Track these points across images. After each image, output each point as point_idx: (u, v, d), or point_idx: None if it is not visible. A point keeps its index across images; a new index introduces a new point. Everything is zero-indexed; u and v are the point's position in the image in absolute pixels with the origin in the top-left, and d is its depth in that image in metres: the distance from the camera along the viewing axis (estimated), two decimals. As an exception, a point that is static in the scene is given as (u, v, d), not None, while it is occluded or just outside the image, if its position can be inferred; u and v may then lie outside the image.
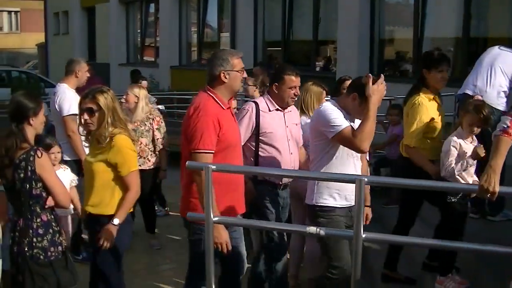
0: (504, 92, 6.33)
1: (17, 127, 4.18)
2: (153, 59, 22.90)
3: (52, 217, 4.28)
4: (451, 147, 5.06)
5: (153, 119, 7.34)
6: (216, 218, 3.88)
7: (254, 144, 5.20)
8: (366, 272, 5.68)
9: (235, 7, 17.27)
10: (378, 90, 4.30)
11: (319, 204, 4.58)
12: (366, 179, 3.47)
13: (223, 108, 4.51)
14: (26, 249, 4.12)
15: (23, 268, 4.12)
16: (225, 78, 4.50)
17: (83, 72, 7.07)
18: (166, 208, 9.01)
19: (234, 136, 4.60)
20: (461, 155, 5.04)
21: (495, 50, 6.53)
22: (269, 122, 5.19)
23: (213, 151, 4.33)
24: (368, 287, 5.74)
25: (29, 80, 21.03)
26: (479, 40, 11.47)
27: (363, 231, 3.50)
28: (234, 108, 7.54)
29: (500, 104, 6.30)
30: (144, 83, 9.65)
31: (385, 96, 7.20)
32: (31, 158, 4.08)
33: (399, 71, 13.62)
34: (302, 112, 5.93)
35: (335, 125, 4.40)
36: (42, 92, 19.42)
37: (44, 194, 4.17)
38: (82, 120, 4.49)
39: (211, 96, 4.52)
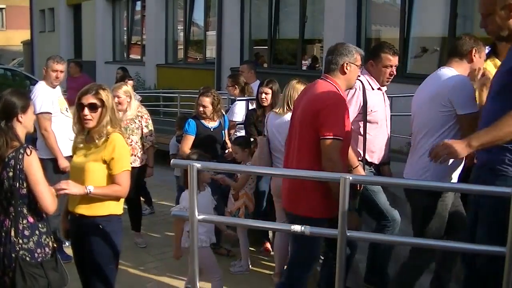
0: None
1: (6, 125, 4.13)
2: (139, 57, 22.85)
3: (40, 218, 4.20)
4: None
5: (141, 117, 7.34)
6: (201, 217, 3.86)
7: (361, 123, 5.14)
8: (352, 269, 5.70)
9: (222, 6, 17.24)
10: None
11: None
12: (350, 178, 3.46)
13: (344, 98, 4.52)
14: (10, 250, 4.05)
15: (12, 268, 4.05)
16: (347, 69, 4.49)
17: (49, 70, 6.96)
18: (151, 206, 9.02)
19: (349, 126, 4.60)
20: None
21: None
22: (374, 101, 5.15)
23: (342, 139, 4.30)
24: (354, 285, 5.75)
25: (14, 78, 20.90)
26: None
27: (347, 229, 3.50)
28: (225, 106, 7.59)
29: None
30: (130, 82, 9.60)
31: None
32: (20, 156, 4.02)
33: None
34: (288, 109, 5.94)
35: (473, 106, 4.37)
36: (28, 90, 19.32)
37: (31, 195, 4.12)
38: (81, 116, 4.37)
39: (333, 85, 4.48)
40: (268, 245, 7.18)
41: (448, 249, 3.57)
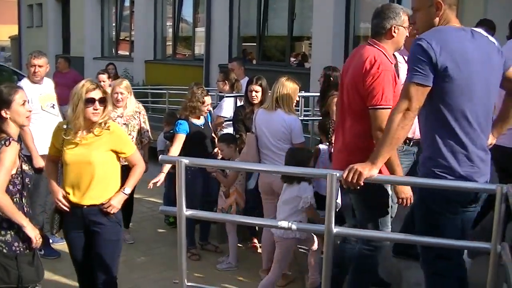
0: None
1: None
2: (128, 53, 22.80)
3: (21, 212, 4.20)
4: None
5: (139, 113, 7.31)
6: (189, 212, 3.87)
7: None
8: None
9: (211, 2, 17.24)
10: None
11: None
12: (337, 174, 3.49)
13: (392, 63, 4.31)
14: None
15: None
16: (394, 32, 4.29)
17: (28, 65, 6.91)
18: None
19: (398, 91, 4.16)
20: None
21: None
22: (402, 75, 4.70)
23: (391, 107, 3.96)
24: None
25: (2, 73, 20.75)
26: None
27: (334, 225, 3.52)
28: (211, 103, 7.58)
29: None
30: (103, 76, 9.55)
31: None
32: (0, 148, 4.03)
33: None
34: (278, 105, 5.97)
35: None
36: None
37: (11, 187, 4.10)
38: (90, 110, 4.43)
39: (380, 50, 4.26)
40: (255, 241, 7.19)
41: (435, 245, 3.57)
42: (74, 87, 4.55)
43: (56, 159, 4.76)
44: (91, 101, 4.43)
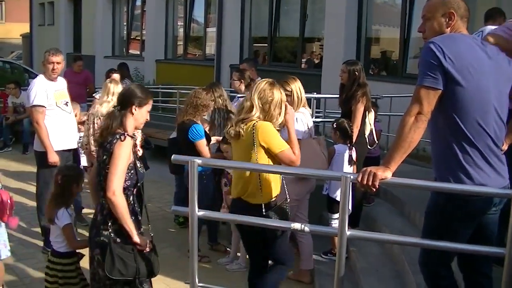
0: None
1: (119, 111, 4.21)
2: (138, 52, 22.86)
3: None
4: None
5: None
6: (201, 213, 3.87)
7: None
8: (350, 269, 5.72)
9: (222, 2, 17.26)
10: None
11: None
12: (351, 176, 3.47)
13: None
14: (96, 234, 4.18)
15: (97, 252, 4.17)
16: None
17: (46, 63, 6.92)
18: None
19: None
20: None
21: None
22: None
23: None
24: (351, 285, 5.76)
25: (13, 71, 20.84)
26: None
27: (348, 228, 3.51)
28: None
29: None
30: (116, 76, 9.53)
31: (371, 94, 7.28)
32: (114, 141, 4.09)
33: (385, 70, 13.69)
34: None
35: None
36: (26, 83, 19.30)
37: None
38: None
39: None
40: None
41: (446, 249, 3.55)
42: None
43: None
44: None
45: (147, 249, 4.19)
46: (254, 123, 4.55)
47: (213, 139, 7.15)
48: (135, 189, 4.25)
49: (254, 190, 4.59)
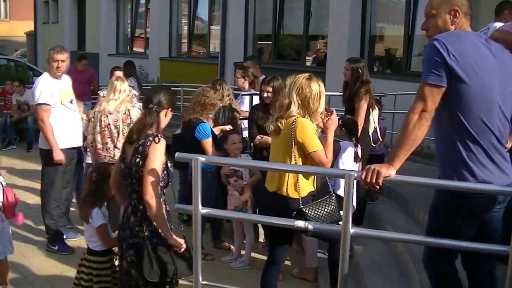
0: None
1: (156, 110, 4.23)
2: (142, 50, 22.84)
3: None
4: None
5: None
6: (204, 211, 3.87)
7: None
8: (353, 267, 5.71)
9: (226, 0, 17.23)
10: None
11: None
12: (355, 174, 3.46)
13: None
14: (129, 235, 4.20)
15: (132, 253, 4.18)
16: None
17: (51, 61, 6.92)
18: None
19: None
20: None
21: None
22: None
23: None
24: (355, 283, 5.76)
25: (17, 69, 20.87)
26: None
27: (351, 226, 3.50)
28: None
29: None
30: (119, 73, 9.50)
31: (375, 92, 7.27)
32: (148, 143, 4.09)
33: (389, 68, 13.67)
34: None
35: None
36: (31, 81, 19.31)
37: None
38: None
39: None
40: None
41: (451, 247, 3.54)
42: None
43: None
44: None
45: (182, 249, 4.18)
46: (295, 119, 4.66)
47: (217, 129, 7.15)
48: (165, 190, 4.28)
49: (291, 184, 4.66)
